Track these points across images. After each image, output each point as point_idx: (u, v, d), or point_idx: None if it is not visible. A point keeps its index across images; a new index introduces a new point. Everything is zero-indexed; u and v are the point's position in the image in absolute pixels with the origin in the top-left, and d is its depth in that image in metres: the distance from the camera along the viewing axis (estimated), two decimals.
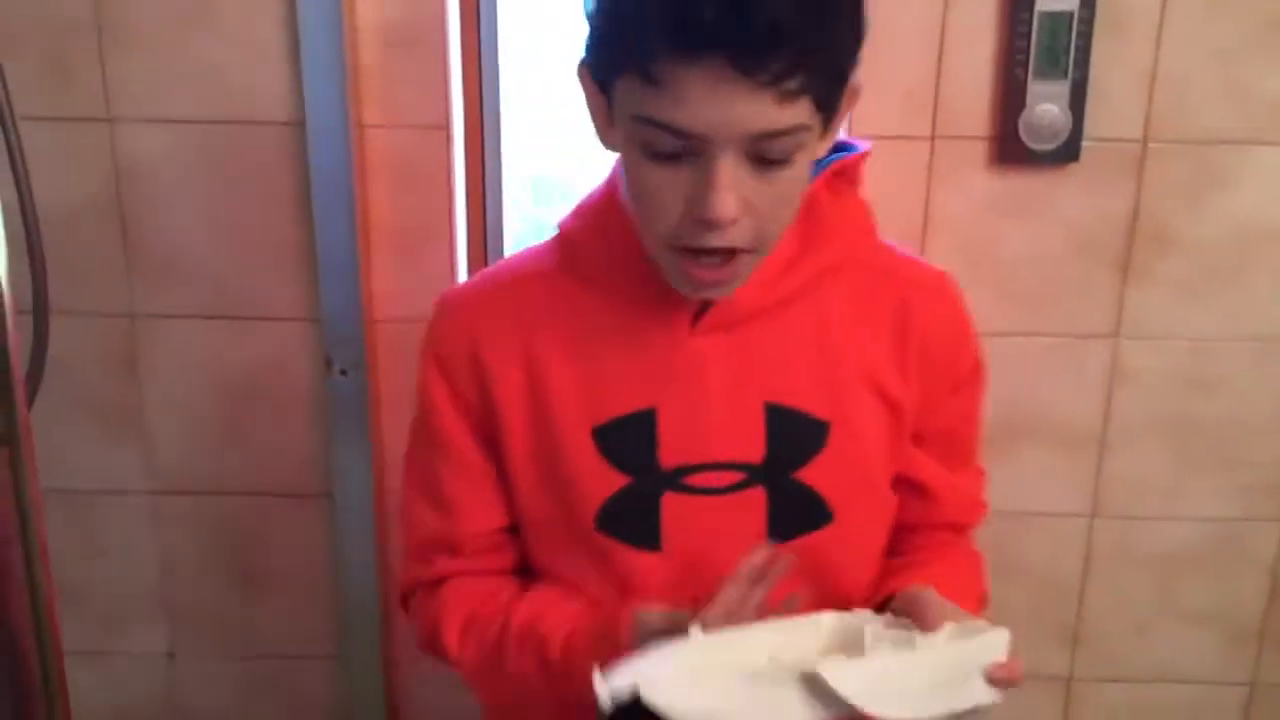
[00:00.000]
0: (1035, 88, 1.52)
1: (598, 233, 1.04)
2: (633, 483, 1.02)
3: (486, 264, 1.74)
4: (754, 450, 1.01)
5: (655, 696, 0.84)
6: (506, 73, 1.67)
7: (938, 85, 1.56)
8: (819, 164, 1.01)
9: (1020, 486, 1.72)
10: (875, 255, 1.07)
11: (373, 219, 1.61)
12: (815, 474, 1.02)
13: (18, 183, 1.40)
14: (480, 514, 1.08)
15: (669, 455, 1.01)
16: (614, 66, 0.89)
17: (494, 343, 1.04)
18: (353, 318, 1.62)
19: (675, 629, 0.89)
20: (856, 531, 1.06)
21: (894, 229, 1.43)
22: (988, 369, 1.13)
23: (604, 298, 1.03)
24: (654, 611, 0.95)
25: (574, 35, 0.95)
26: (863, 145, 1.06)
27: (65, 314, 1.60)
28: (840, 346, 1.03)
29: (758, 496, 1.02)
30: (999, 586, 1.61)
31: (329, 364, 1.64)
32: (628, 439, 1.01)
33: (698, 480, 1.01)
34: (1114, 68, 1.54)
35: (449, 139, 1.58)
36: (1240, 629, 1.81)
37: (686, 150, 0.86)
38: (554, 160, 1.87)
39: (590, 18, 0.91)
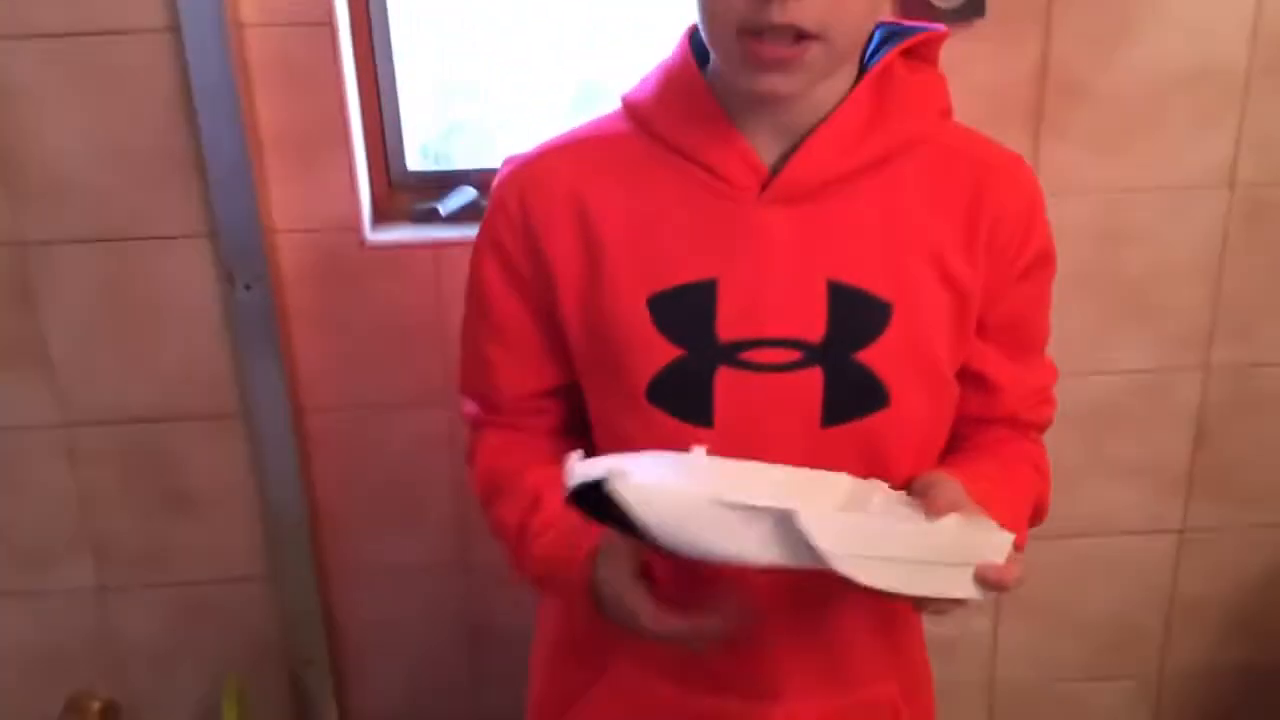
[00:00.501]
0: None
1: (664, 93, 1.01)
2: (687, 355, 0.99)
3: (387, 167, 1.69)
4: (814, 328, 0.98)
5: (621, 488, 0.81)
6: None
7: None
8: (894, 37, 1.00)
9: None
10: (950, 134, 1.04)
11: (262, 125, 1.55)
12: (875, 356, 0.99)
13: None
14: (520, 380, 1.09)
15: (726, 329, 0.98)
16: None
17: (548, 206, 1.02)
18: (251, 230, 1.57)
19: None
20: (914, 418, 1.03)
21: None
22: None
23: (669, 162, 1.00)
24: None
25: None
26: (940, 27, 1.03)
27: None
28: (909, 227, 1.00)
29: (814, 376, 0.99)
30: None
31: (231, 280, 1.59)
32: (685, 310, 0.99)
33: (754, 356, 0.98)
34: None
35: (334, 35, 1.52)
36: (1168, 478, 1.83)
37: None
38: (462, 60, 1.80)
39: None
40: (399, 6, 1.63)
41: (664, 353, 0.99)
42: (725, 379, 0.98)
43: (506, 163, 1.06)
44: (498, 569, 1.79)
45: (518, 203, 1.02)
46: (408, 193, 1.70)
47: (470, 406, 1.15)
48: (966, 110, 1.55)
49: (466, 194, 1.67)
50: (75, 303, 1.62)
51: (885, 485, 0.95)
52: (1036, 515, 1.12)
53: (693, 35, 1.01)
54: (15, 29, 1.47)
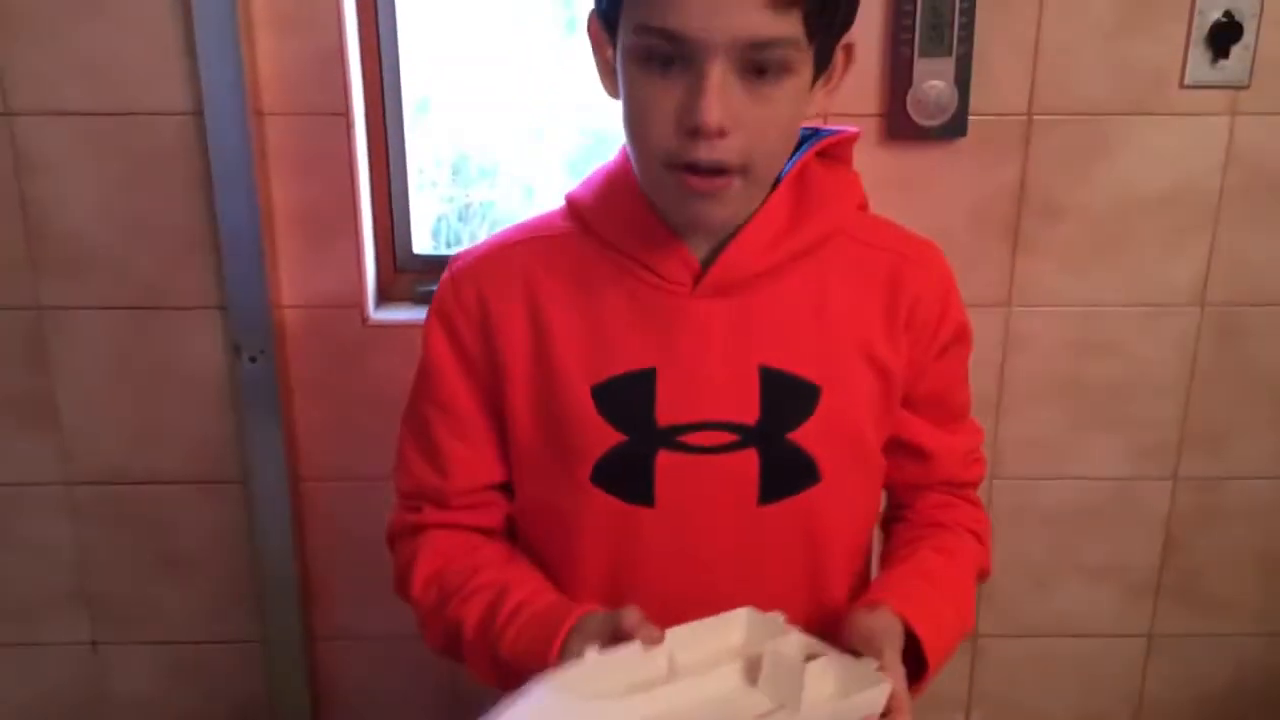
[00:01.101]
0: (921, 65, 1.56)
1: (605, 197, 1.07)
2: (628, 440, 1.04)
3: (394, 249, 1.76)
4: (748, 412, 1.03)
5: None
6: (416, 58, 1.70)
7: None
8: (806, 140, 1.07)
9: None
10: (866, 226, 1.10)
11: (276, 206, 1.63)
12: (806, 435, 1.04)
13: None
14: (471, 470, 1.11)
15: (665, 414, 1.03)
16: None
17: (502, 297, 1.07)
18: (260, 305, 1.64)
19: (612, 634, 0.93)
20: (845, 492, 1.09)
21: None
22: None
23: (609, 259, 1.05)
24: (597, 614, 0.97)
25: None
26: (852, 129, 1.10)
27: None
28: (834, 314, 1.06)
29: (750, 457, 1.04)
30: None
31: (238, 351, 1.66)
32: (626, 397, 1.04)
33: (693, 439, 1.03)
34: (997, 43, 1.58)
35: (350, 125, 1.60)
36: (1137, 583, 1.88)
37: (679, 57, 0.90)
38: (473, 141, 1.88)
39: None
40: (411, 93, 1.71)
41: (607, 438, 1.04)
42: (665, 461, 1.03)
43: (458, 257, 1.11)
44: None
45: (474, 294, 1.07)
46: (411, 275, 1.77)
47: (405, 514, 1.16)
48: (946, 222, 1.65)
49: None
50: (87, 367, 1.69)
51: (783, 620, 0.97)
52: (980, 578, 1.18)
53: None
54: (49, 106, 1.56)
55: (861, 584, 1.16)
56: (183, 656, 1.86)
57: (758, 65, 0.90)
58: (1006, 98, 1.61)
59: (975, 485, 1.21)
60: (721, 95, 0.90)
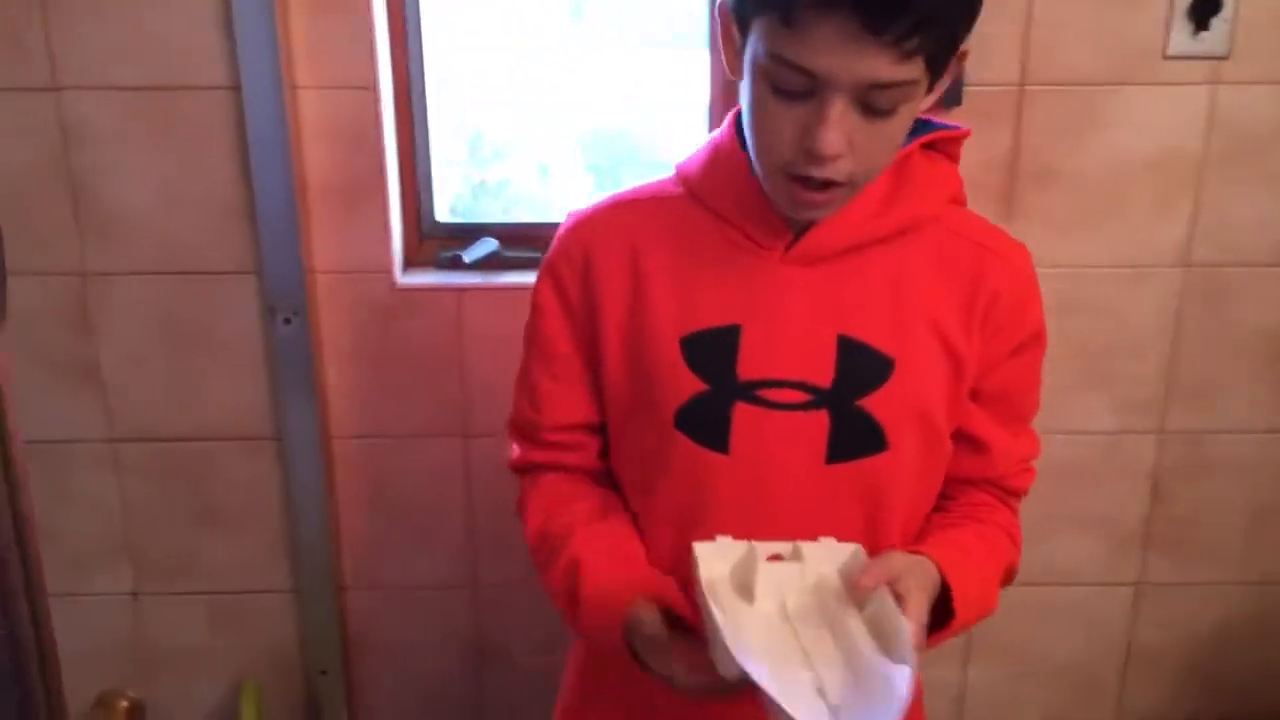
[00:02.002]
0: None
1: (712, 165, 1.14)
2: (710, 390, 1.11)
3: (419, 219, 1.86)
4: (823, 375, 1.10)
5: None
6: (440, 38, 1.79)
7: None
8: (917, 130, 1.11)
9: None
10: (960, 219, 1.16)
11: (309, 176, 1.72)
12: (876, 404, 1.10)
13: None
14: (562, 410, 1.20)
15: (746, 368, 1.10)
16: (756, 7, 0.98)
17: (607, 251, 1.15)
18: (293, 270, 1.73)
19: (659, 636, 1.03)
20: (909, 463, 1.14)
21: None
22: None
23: (710, 223, 1.13)
24: (648, 619, 1.05)
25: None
26: (964, 128, 1.17)
27: (20, 274, 1.71)
28: (913, 294, 1.11)
29: (821, 418, 1.10)
30: None
31: (272, 313, 1.75)
32: (711, 350, 1.11)
33: (769, 395, 1.10)
34: (991, 16, 1.63)
35: (377, 99, 1.69)
36: (1125, 533, 1.97)
37: (807, 89, 0.96)
38: (490, 120, 1.98)
39: None
40: (433, 74, 1.81)
41: (690, 386, 1.11)
42: (742, 413, 1.11)
43: (573, 213, 1.20)
44: (506, 590, 1.95)
45: (580, 248, 1.16)
46: (435, 242, 1.87)
47: (515, 450, 1.26)
48: None
49: (489, 244, 1.83)
50: (129, 330, 1.78)
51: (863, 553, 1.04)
52: (1007, 577, 1.23)
53: (738, 117, 1.12)
54: (97, 81, 1.65)
55: None
56: (220, 605, 1.96)
57: (877, 101, 0.96)
58: (1000, 69, 1.70)
59: (1021, 495, 1.25)
60: (840, 126, 0.97)
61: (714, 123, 1.84)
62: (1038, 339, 1.18)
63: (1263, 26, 1.68)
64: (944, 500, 1.23)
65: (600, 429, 1.22)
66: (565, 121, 1.97)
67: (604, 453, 1.24)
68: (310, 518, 1.88)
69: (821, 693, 0.93)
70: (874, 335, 1.10)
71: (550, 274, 1.19)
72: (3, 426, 1.04)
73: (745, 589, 1.02)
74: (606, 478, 1.24)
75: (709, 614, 0.96)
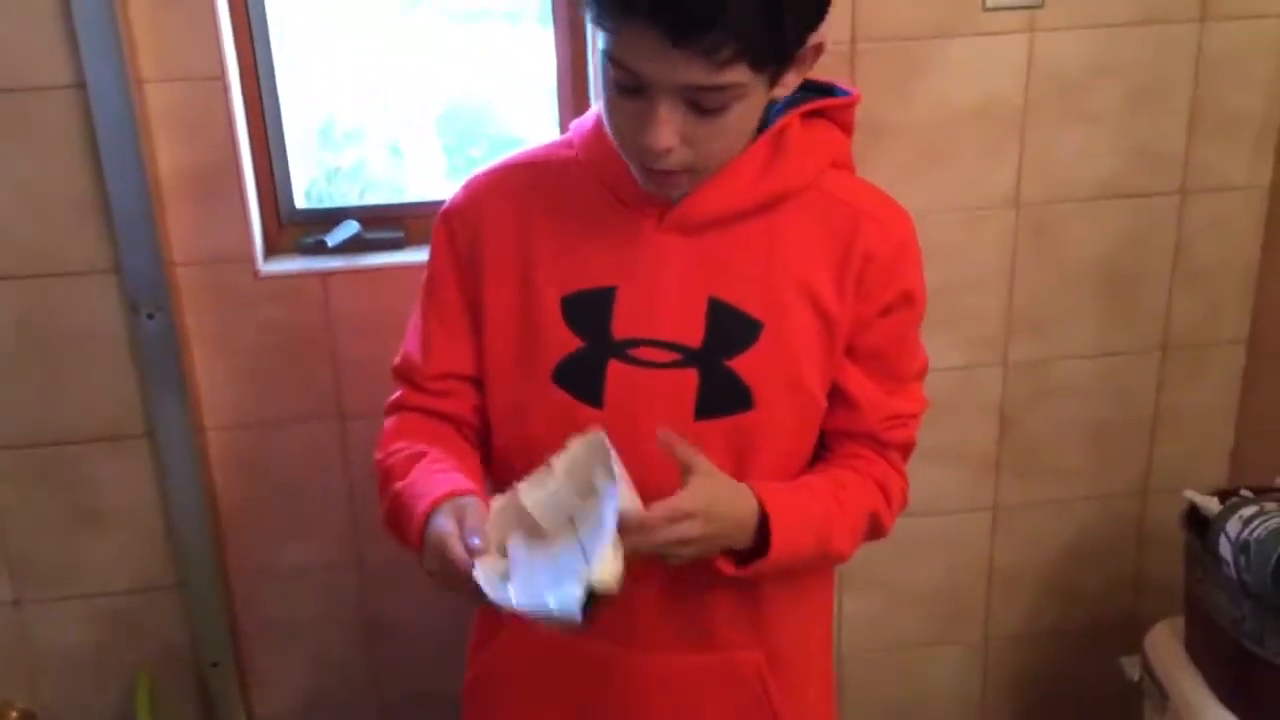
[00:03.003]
0: None
1: (597, 133, 1.19)
2: (585, 346, 1.17)
3: (277, 206, 1.87)
4: (693, 336, 1.16)
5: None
6: (285, 25, 1.80)
7: None
8: (798, 100, 1.17)
9: None
10: (840, 184, 1.21)
11: (162, 169, 1.72)
12: (743, 364, 1.17)
13: None
14: (447, 357, 1.25)
15: (620, 328, 1.17)
16: (585, 8, 1.06)
17: (499, 211, 1.22)
18: (153, 264, 1.73)
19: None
20: (776, 422, 1.20)
21: None
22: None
23: (594, 187, 1.19)
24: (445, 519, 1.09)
25: None
26: (851, 93, 1.21)
27: None
28: (786, 259, 1.17)
29: (690, 376, 1.17)
30: None
31: (135, 309, 1.74)
32: (589, 310, 1.17)
33: (641, 354, 1.17)
34: None
35: (226, 88, 1.70)
36: (979, 461, 2.09)
37: (638, 86, 1.02)
38: (341, 104, 1.99)
39: None
40: (283, 60, 1.81)
41: (568, 343, 1.18)
42: (615, 370, 1.17)
43: (475, 173, 1.27)
44: (391, 568, 1.98)
45: (474, 204, 1.24)
46: (295, 228, 1.88)
47: (395, 393, 1.31)
48: None
49: (350, 227, 1.85)
50: None
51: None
52: (874, 527, 1.29)
53: None
54: None
55: None
56: (103, 607, 1.94)
57: (704, 101, 1.02)
58: (832, 28, 1.76)
59: (900, 449, 1.30)
60: (668, 123, 1.03)
61: (562, 96, 1.89)
62: (910, 300, 1.23)
63: None
64: (824, 452, 1.29)
65: (476, 383, 1.27)
66: (415, 102, 2.00)
67: (478, 409, 1.28)
68: (188, 511, 1.88)
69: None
70: (744, 299, 1.16)
71: (445, 224, 1.25)
72: None
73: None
74: (474, 432, 1.29)
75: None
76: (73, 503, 1.88)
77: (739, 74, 1.01)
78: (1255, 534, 1.58)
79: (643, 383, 1.18)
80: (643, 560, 1.11)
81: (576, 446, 1.10)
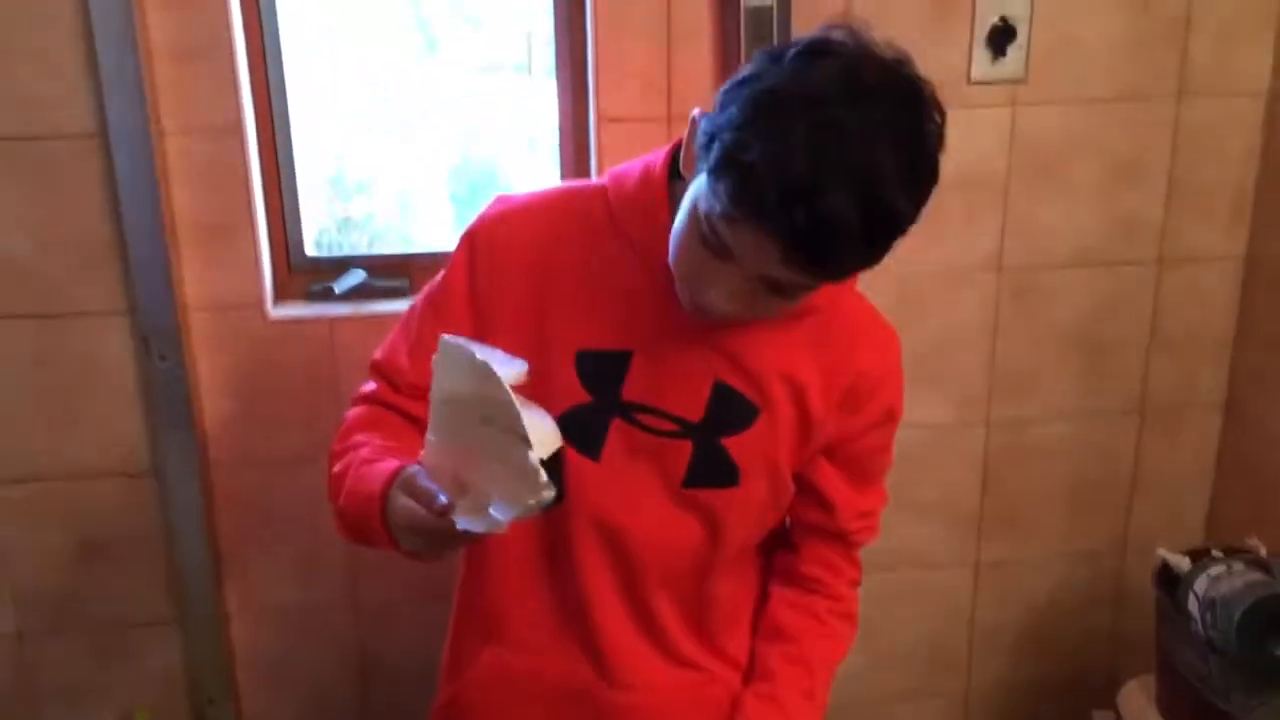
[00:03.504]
0: None
1: (634, 191, 1.21)
2: (593, 401, 1.21)
3: (288, 253, 1.94)
4: (695, 412, 1.22)
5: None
6: (299, 77, 1.87)
7: (669, 72, 1.82)
8: None
9: None
10: (844, 299, 1.26)
11: (178, 216, 1.79)
12: (735, 444, 1.22)
13: None
14: (425, 363, 1.20)
15: (630, 392, 1.21)
16: (712, 172, 1.01)
17: (521, 250, 1.23)
18: (166, 308, 1.79)
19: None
20: (754, 500, 1.26)
21: None
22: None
23: (624, 245, 1.21)
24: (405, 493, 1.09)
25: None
26: None
27: None
28: (788, 359, 1.22)
29: (685, 446, 1.22)
30: None
31: (147, 350, 1.81)
32: (603, 369, 1.21)
33: (644, 419, 1.22)
34: None
35: (243, 140, 1.77)
36: (962, 517, 2.14)
37: (723, 252, 1.03)
38: (352, 155, 2.07)
39: (723, 135, 0.99)
40: (297, 109, 1.89)
41: (577, 395, 1.21)
42: (618, 428, 1.22)
43: (504, 198, 1.27)
44: (385, 606, 2.02)
45: (502, 236, 1.24)
46: (304, 275, 1.95)
47: (368, 386, 1.31)
48: None
49: (357, 275, 1.92)
50: (5, 373, 1.82)
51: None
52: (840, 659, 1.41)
53: (675, 149, 1.20)
54: None
55: (742, 572, 1.38)
56: (106, 640, 1.99)
57: (781, 288, 1.05)
58: None
59: (861, 545, 1.40)
60: (735, 295, 1.06)
61: (564, 151, 1.96)
62: (893, 416, 1.31)
63: (1054, 52, 1.88)
64: (791, 549, 1.38)
65: None
66: (426, 153, 2.08)
67: None
68: (191, 548, 1.92)
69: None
70: (745, 386, 1.22)
71: (468, 247, 1.26)
72: None
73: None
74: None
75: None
76: (78, 537, 1.92)
77: (812, 280, 1.05)
78: (1221, 592, 1.64)
79: (641, 445, 1.23)
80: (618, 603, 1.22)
81: (436, 367, 1.08)
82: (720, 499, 1.25)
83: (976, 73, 1.87)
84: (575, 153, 1.95)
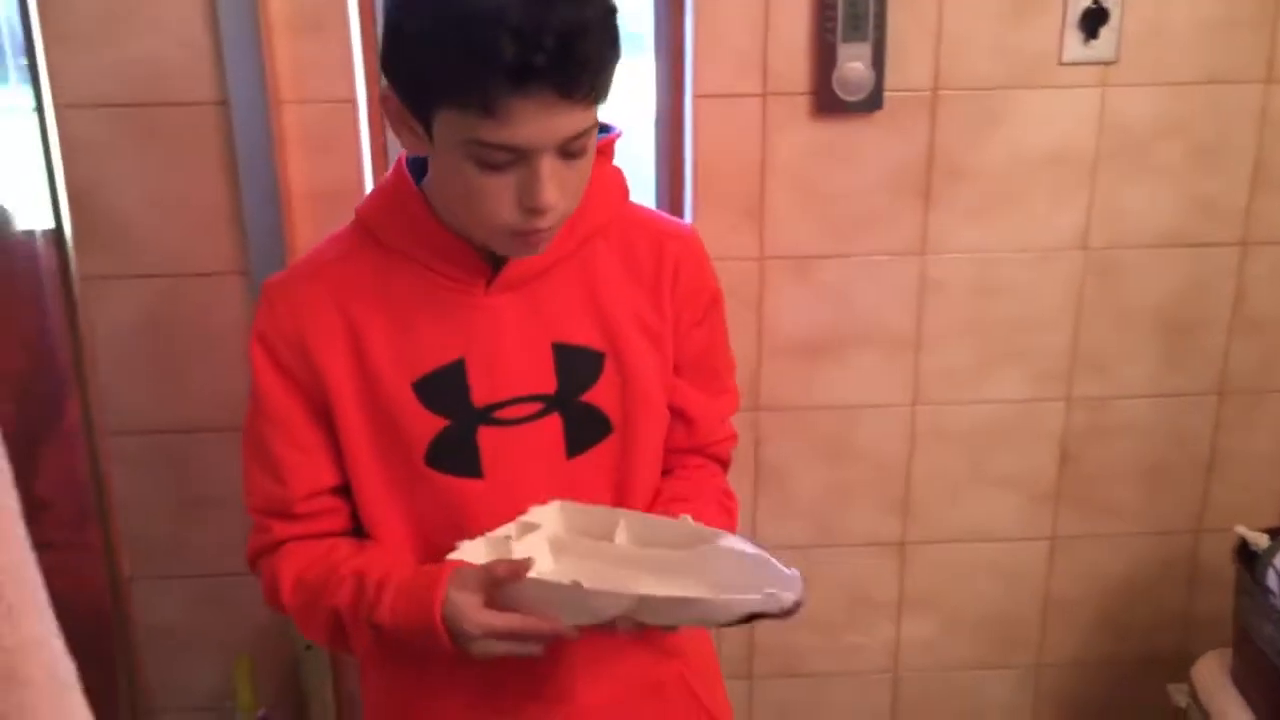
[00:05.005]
0: (844, 49, 1.85)
1: (397, 214, 1.20)
2: (451, 423, 1.19)
3: None
4: (547, 383, 1.21)
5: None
6: None
7: (765, 50, 1.87)
8: None
9: (853, 384, 2.06)
10: (632, 213, 1.28)
11: (293, 183, 1.87)
12: (597, 395, 1.22)
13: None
14: (309, 476, 1.22)
15: (479, 396, 1.19)
16: (437, 100, 1.04)
17: (315, 320, 1.19)
18: (279, 268, 1.86)
19: (488, 582, 1.10)
20: (636, 440, 1.26)
21: (734, 173, 1.76)
22: (821, 287, 1.36)
23: (408, 269, 1.19)
24: (465, 569, 1.11)
25: None
26: (615, 128, 1.26)
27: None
28: (608, 291, 1.23)
29: (555, 420, 1.22)
30: (840, 469, 1.96)
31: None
32: (443, 387, 1.18)
33: (505, 414, 1.20)
34: (907, 30, 1.88)
35: (355, 111, 1.85)
36: (1039, 492, 2.18)
37: (514, 160, 1.05)
38: None
39: (398, 56, 1.06)
40: None
41: (433, 424, 1.19)
42: (486, 436, 1.20)
43: (270, 284, 1.23)
44: None
45: (290, 320, 1.19)
46: None
47: (261, 535, 1.25)
48: (868, 183, 1.94)
49: None
50: (122, 328, 1.92)
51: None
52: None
53: (406, 162, 1.20)
54: (93, 99, 1.79)
55: None
56: (207, 588, 2.08)
57: (573, 147, 1.06)
58: (915, 76, 1.91)
59: (725, 464, 1.39)
60: (553, 179, 1.06)
61: (660, 127, 2.02)
62: (716, 302, 1.32)
63: (1145, 35, 1.91)
64: (666, 473, 1.34)
65: (345, 491, 1.24)
66: None
67: (353, 515, 1.26)
68: None
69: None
70: (582, 336, 1.22)
71: (264, 348, 1.20)
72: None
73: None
74: (358, 535, 1.27)
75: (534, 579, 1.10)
76: (185, 488, 2.02)
77: (595, 112, 1.07)
78: None
79: (515, 440, 1.21)
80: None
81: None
82: (606, 452, 1.25)
83: (1068, 54, 1.90)
84: (670, 132, 2.01)
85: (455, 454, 1.20)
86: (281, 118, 1.84)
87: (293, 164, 1.86)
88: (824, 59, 1.86)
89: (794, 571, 1.07)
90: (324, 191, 1.89)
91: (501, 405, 1.20)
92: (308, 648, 2.10)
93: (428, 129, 1.08)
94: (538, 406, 1.21)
